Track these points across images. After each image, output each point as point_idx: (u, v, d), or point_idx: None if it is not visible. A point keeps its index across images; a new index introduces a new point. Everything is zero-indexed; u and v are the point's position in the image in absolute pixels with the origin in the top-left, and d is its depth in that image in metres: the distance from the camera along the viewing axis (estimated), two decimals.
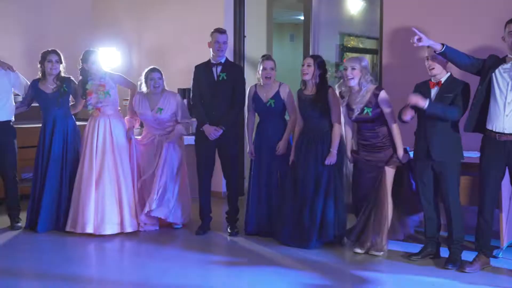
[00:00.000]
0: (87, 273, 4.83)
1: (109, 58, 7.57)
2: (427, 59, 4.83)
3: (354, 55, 8.06)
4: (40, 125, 5.96)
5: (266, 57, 5.70)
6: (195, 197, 6.10)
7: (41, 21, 7.92)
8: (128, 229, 5.78)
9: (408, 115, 4.79)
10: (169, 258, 5.17)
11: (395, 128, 5.06)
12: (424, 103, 4.69)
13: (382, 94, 5.06)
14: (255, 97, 5.72)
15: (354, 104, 5.10)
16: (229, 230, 5.85)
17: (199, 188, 5.93)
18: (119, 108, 6.15)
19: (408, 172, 5.17)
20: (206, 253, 5.38)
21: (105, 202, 5.71)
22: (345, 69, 5.13)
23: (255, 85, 5.79)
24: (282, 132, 5.66)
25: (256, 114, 5.84)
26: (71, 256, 5.28)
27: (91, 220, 5.65)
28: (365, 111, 5.06)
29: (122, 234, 5.74)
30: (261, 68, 5.64)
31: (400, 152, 5.06)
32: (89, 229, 5.65)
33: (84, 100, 5.96)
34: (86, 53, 5.90)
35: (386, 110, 5.05)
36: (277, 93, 5.65)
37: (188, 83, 5.92)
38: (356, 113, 5.06)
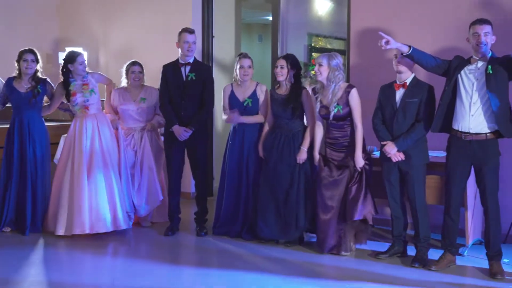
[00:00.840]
0: (52, 277, 4.76)
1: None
2: (395, 57, 4.89)
3: None
4: None
5: (243, 55, 5.64)
6: (164, 198, 6.08)
7: (6, 20, 7.79)
8: (123, 226, 5.74)
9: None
10: (138, 259, 5.13)
11: (359, 129, 5.07)
12: (394, 150, 4.81)
13: (353, 92, 5.08)
14: (232, 97, 5.67)
15: (327, 100, 5.13)
16: (198, 231, 5.84)
17: (169, 189, 5.91)
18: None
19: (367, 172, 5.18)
20: (175, 254, 5.36)
21: (98, 201, 5.66)
22: (315, 65, 5.16)
23: (231, 84, 5.75)
24: (259, 132, 5.64)
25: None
26: (37, 260, 5.20)
27: (86, 220, 5.58)
28: (336, 109, 5.08)
29: (90, 235, 5.65)
30: (238, 66, 5.60)
31: (358, 153, 5.07)
32: (87, 229, 5.58)
33: (62, 102, 5.93)
34: (72, 53, 5.86)
35: (354, 108, 5.06)
36: (254, 92, 5.63)
37: (156, 83, 5.88)
38: (332, 112, 5.07)
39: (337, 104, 5.07)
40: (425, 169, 4.94)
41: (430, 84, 4.91)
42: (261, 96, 5.62)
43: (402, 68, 4.87)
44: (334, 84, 5.08)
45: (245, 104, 5.61)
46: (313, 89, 5.30)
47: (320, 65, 5.10)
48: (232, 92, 5.68)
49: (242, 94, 5.64)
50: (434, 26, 5.82)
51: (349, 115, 5.09)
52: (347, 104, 5.06)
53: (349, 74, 6.25)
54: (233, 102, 5.66)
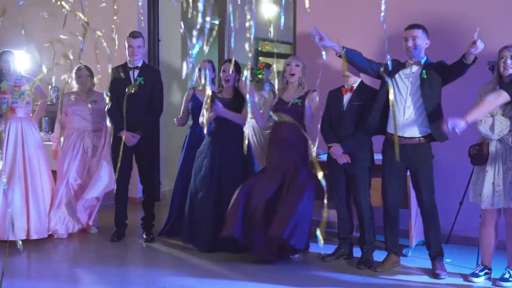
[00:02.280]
0: None
1: (17, 62, 7.30)
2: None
3: (269, 59, 8.17)
4: None
5: (206, 60, 5.84)
6: (111, 203, 6.00)
7: None
8: (34, 236, 5.63)
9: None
10: (83, 266, 5.05)
11: (311, 127, 5.11)
12: (340, 151, 4.87)
13: (314, 94, 5.09)
14: (193, 98, 5.86)
15: (288, 97, 5.15)
16: (144, 236, 5.79)
17: (116, 195, 5.80)
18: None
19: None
20: (122, 261, 5.29)
21: (14, 206, 5.56)
22: (288, 65, 5.17)
23: (194, 89, 5.98)
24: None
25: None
26: None
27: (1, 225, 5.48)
28: (296, 102, 5.10)
29: (32, 241, 5.57)
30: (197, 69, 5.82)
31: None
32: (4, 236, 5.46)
33: None
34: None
35: (311, 109, 5.05)
36: None
37: (102, 88, 5.81)
38: (290, 102, 5.10)
39: (298, 98, 5.11)
40: (369, 172, 5.02)
41: (375, 88, 5.00)
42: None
43: (348, 74, 4.94)
44: (302, 85, 5.15)
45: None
46: (273, 92, 5.32)
47: (297, 65, 5.16)
48: (194, 95, 5.89)
49: (203, 96, 5.74)
50: (377, 30, 5.93)
51: (302, 116, 5.07)
52: (306, 103, 5.08)
53: None
54: (193, 102, 5.86)
